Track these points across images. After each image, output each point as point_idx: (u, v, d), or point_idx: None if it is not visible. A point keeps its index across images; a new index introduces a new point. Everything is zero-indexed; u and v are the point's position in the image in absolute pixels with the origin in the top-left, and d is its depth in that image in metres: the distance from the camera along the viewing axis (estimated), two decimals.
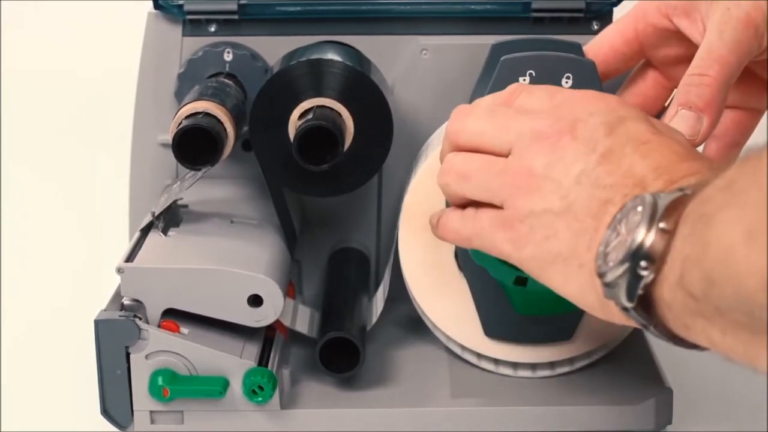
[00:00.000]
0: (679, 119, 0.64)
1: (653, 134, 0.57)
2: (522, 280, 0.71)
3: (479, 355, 0.76)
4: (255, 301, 0.70)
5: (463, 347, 0.76)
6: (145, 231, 0.75)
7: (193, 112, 0.71)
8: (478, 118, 0.62)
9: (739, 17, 0.64)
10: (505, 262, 0.71)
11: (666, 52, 0.71)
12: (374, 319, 0.76)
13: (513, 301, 0.73)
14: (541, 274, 0.58)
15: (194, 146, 0.70)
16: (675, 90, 0.67)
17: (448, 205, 0.67)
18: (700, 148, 0.66)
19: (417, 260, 0.74)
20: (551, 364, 0.75)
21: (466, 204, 0.63)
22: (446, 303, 0.75)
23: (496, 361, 0.75)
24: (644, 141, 0.56)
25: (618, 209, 0.54)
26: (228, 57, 0.79)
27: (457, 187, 0.62)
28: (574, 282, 0.56)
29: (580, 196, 0.56)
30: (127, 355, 0.69)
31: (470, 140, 0.62)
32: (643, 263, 0.50)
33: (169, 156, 0.73)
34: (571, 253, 0.56)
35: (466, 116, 0.63)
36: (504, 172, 0.59)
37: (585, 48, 0.72)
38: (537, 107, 0.61)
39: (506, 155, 0.60)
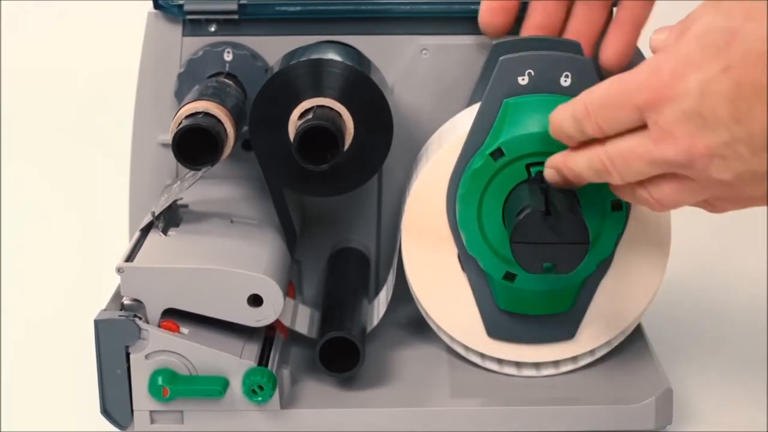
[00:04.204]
0: None
1: None
2: (511, 275, 0.71)
3: (483, 356, 0.76)
4: (255, 300, 0.70)
5: (467, 348, 0.76)
6: (145, 231, 0.75)
7: (193, 112, 0.71)
8: None
9: None
10: (497, 256, 0.71)
11: None
12: (376, 321, 0.76)
13: (497, 296, 0.73)
14: None
15: (194, 146, 0.70)
16: None
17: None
18: None
19: (420, 262, 0.74)
20: (555, 363, 0.75)
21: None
22: (450, 304, 0.75)
23: (500, 361, 0.75)
24: None
25: None
26: (228, 57, 0.79)
27: None
28: None
29: None
30: (127, 354, 0.69)
31: None
32: None
33: (169, 156, 0.73)
34: None
35: None
36: None
37: None
38: None
39: None
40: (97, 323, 0.69)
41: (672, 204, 0.63)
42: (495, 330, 0.75)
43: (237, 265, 0.70)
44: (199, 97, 0.73)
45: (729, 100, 0.57)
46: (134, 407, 0.70)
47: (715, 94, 0.57)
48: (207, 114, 0.71)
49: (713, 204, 0.64)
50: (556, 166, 0.66)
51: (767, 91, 0.56)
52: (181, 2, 0.79)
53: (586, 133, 0.63)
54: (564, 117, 0.65)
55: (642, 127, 0.61)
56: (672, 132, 0.59)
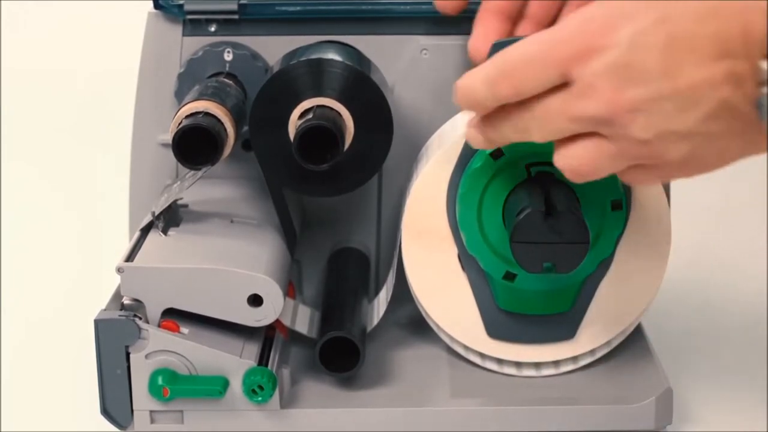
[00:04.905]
0: None
1: None
2: (511, 275, 0.71)
3: (483, 356, 0.76)
4: (255, 300, 0.70)
5: (467, 348, 0.76)
6: (145, 231, 0.75)
7: (193, 111, 0.71)
8: None
9: None
10: (497, 255, 0.71)
11: None
12: (376, 321, 0.76)
13: (497, 296, 0.73)
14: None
15: (194, 146, 0.70)
16: None
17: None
18: None
19: (420, 262, 0.74)
20: (555, 363, 0.75)
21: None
22: (450, 304, 0.75)
23: (500, 361, 0.75)
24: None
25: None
26: (228, 57, 0.79)
27: None
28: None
29: None
30: (127, 354, 0.69)
31: None
32: None
33: (169, 156, 0.73)
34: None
35: None
36: None
37: None
38: None
39: None
40: (97, 323, 0.69)
41: (589, 171, 0.59)
42: (495, 330, 0.75)
43: (237, 265, 0.70)
44: (199, 97, 0.73)
45: (660, 52, 0.54)
46: (134, 407, 0.70)
47: (646, 45, 0.55)
48: (207, 114, 0.71)
49: (632, 176, 0.60)
50: (477, 127, 0.63)
51: (700, 44, 0.54)
52: (181, 2, 0.79)
53: (499, 97, 0.60)
54: (474, 81, 0.61)
55: (562, 86, 0.58)
56: (595, 85, 0.56)
